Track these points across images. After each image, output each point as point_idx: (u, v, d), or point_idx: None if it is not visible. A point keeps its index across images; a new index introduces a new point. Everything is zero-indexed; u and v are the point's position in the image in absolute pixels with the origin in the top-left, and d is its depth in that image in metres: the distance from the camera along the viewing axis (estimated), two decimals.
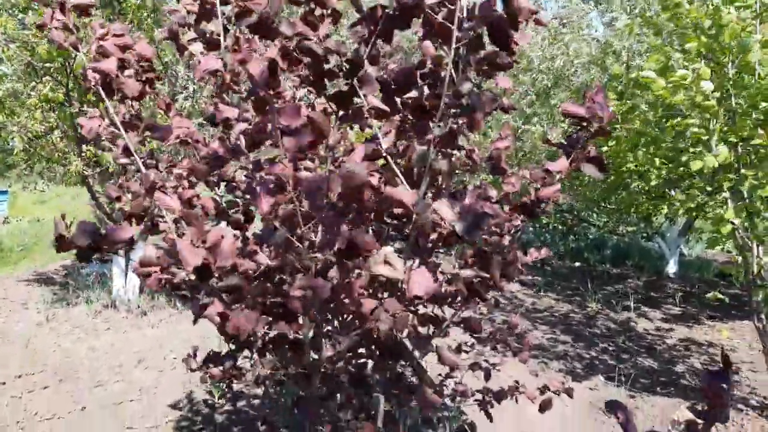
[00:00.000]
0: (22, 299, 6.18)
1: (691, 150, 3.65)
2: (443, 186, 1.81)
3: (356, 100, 1.85)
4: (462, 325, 2.09)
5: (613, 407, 1.14)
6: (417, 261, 1.81)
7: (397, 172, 1.68)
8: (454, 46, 1.52)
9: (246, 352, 2.19)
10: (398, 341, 1.80)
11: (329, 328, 2.00)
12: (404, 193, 1.60)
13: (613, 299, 6.63)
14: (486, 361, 2.38)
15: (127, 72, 1.91)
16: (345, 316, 1.88)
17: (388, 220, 1.90)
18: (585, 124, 1.70)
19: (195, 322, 1.84)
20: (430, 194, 1.80)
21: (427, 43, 1.65)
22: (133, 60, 1.90)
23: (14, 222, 10.70)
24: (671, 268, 7.81)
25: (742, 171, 3.54)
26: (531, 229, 9.67)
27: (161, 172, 1.94)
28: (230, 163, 2.21)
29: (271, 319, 1.80)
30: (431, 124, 1.64)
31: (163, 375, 4.26)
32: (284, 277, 1.88)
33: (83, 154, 5.55)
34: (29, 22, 5.41)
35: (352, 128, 2.28)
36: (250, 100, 2.03)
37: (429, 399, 1.93)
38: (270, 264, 1.76)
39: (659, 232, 7.97)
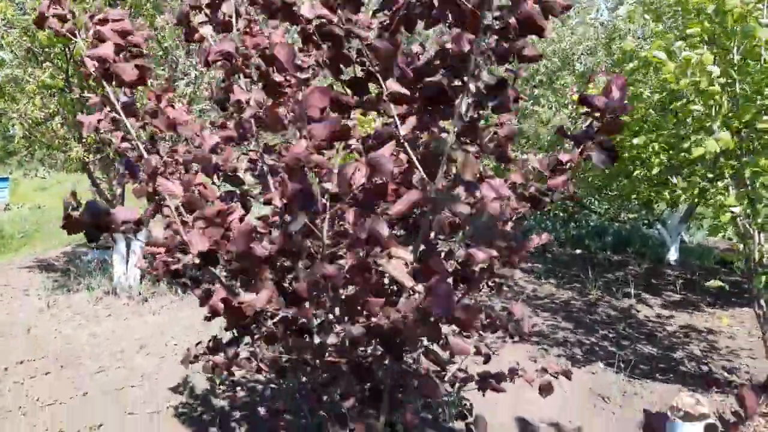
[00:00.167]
0: (23, 286, 6.20)
1: (693, 137, 3.63)
2: (460, 177, 1.76)
3: (371, 87, 1.81)
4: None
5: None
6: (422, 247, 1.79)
7: (415, 160, 1.63)
8: (481, 34, 1.48)
9: (247, 340, 2.20)
10: (401, 330, 1.79)
11: (332, 316, 1.99)
12: (413, 192, 1.57)
13: (614, 286, 6.64)
14: (486, 345, 2.38)
15: (124, 57, 1.89)
16: (354, 305, 1.87)
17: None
18: (598, 114, 1.67)
19: (202, 304, 1.84)
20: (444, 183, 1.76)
21: (455, 29, 1.61)
22: (129, 46, 1.88)
23: (15, 209, 10.72)
24: (672, 255, 7.81)
25: (744, 159, 3.52)
26: (532, 216, 9.65)
27: (162, 158, 1.93)
28: (232, 152, 2.20)
29: (279, 301, 1.79)
30: (452, 113, 1.60)
31: (164, 361, 4.28)
32: (287, 263, 1.87)
33: (84, 140, 5.54)
34: (29, 6, 5.37)
35: (365, 115, 2.25)
36: (261, 85, 2.01)
37: (432, 387, 1.94)
38: (283, 248, 1.75)
39: (660, 219, 7.96)
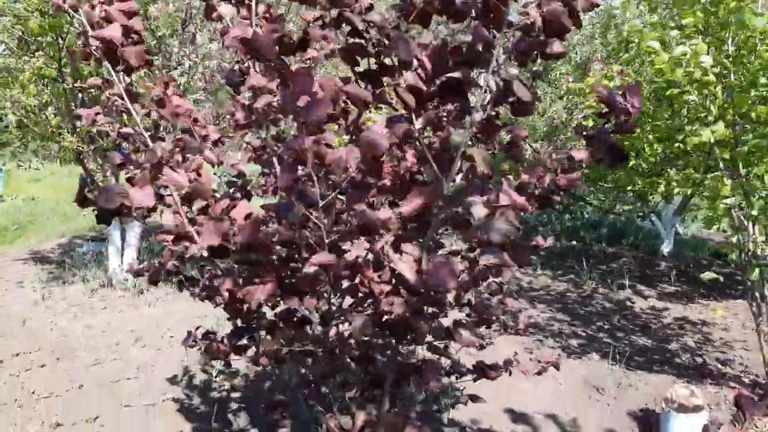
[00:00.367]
0: (17, 278, 6.17)
1: (688, 129, 3.63)
2: (476, 175, 1.71)
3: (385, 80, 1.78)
4: (467, 308, 2.09)
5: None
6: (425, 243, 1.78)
7: (429, 155, 1.61)
8: (505, 30, 1.45)
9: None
10: (407, 322, 1.79)
11: (334, 307, 1.99)
12: (425, 190, 1.55)
13: (609, 278, 6.66)
14: (482, 337, 2.39)
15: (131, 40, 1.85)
16: (357, 294, 1.86)
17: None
18: (611, 115, 1.65)
19: (206, 297, 1.84)
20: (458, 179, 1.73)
21: (477, 24, 1.58)
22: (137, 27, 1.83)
23: (9, 200, 10.65)
24: (667, 247, 7.83)
25: (738, 149, 3.52)
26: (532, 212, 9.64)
27: (168, 147, 1.91)
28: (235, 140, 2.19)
29: (280, 293, 1.79)
30: (469, 108, 1.57)
31: (160, 353, 4.27)
32: (293, 253, 1.87)
33: (77, 131, 5.50)
34: None
35: (377, 109, 2.22)
36: (277, 71, 1.97)
37: (433, 375, 1.95)
38: (284, 240, 1.74)
39: (655, 212, 7.97)
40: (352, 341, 1.99)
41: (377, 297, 1.62)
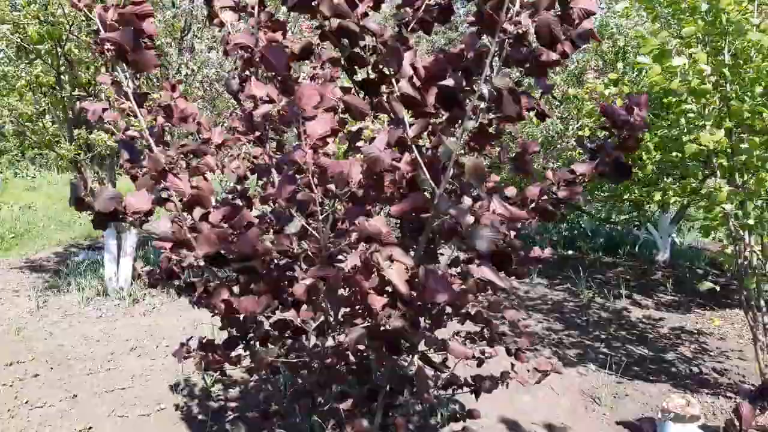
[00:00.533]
0: (13, 287, 6.14)
1: (685, 138, 3.64)
2: (473, 184, 1.73)
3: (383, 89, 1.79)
4: (464, 319, 2.09)
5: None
6: (420, 254, 1.78)
7: (422, 163, 1.61)
8: (497, 38, 1.45)
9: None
10: (403, 333, 1.79)
11: (332, 319, 1.98)
12: (417, 195, 1.56)
13: (606, 287, 6.66)
14: (482, 352, 2.38)
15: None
16: (354, 307, 1.86)
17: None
18: (615, 130, 1.65)
19: (202, 305, 1.84)
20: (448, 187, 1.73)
21: (471, 32, 1.59)
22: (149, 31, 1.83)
23: (5, 209, 10.62)
24: (663, 256, 7.84)
25: (735, 157, 3.54)
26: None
27: (170, 153, 1.90)
28: (238, 151, 2.19)
29: (277, 304, 1.78)
30: (463, 117, 1.57)
31: (155, 363, 4.25)
32: (291, 264, 1.86)
33: (75, 139, 5.50)
34: (20, 2, 5.31)
35: (377, 117, 2.23)
36: (276, 81, 1.99)
37: (425, 389, 1.94)
38: (282, 249, 1.73)
39: (651, 221, 7.99)
40: (348, 353, 1.98)
41: (374, 310, 1.61)
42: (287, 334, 1.98)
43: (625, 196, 6.24)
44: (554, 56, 1.53)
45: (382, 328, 1.70)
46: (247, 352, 2.11)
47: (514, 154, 1.82)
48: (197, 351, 2.28)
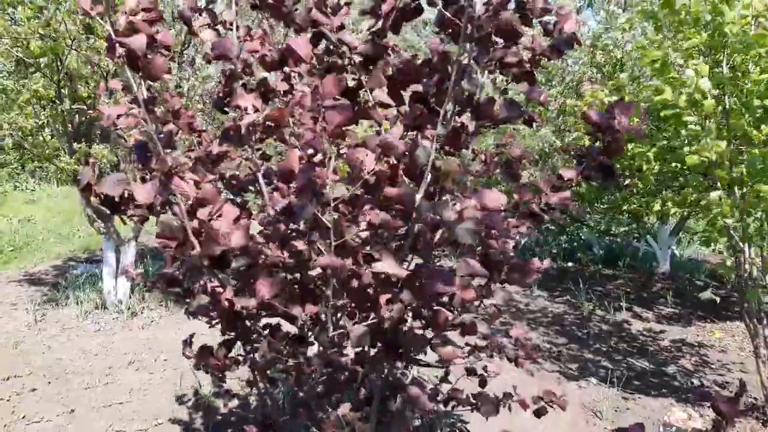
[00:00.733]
0: (11, 300, 6.12)
1: (686, 150, 3.65)
2: (446, 186, 1.78)
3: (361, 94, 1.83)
4: (459, 330, 2.08)
5: None
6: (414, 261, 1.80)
7: (400, 168, 1.66)
8: (462, 42, 1.49)
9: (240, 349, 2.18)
10: (402, 336, 1.79)
11: (333, 317, 1.98)
12: (403, 192, 1.58)
13: (606, 300, 6.64)
14: (484, 368, 2.37)
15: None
16: (355, 305, 1.87)
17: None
18: (600, 135, 1.68)
19: (192, 316, 1.84)
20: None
21: (436, 39, 1.63)
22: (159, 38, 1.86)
23: (5, 222, 10.62)
24: (663, 268, 7.83)
25: (735, 169, 3.54)
26: (528, 234, 9.67)
27: (176, 155, 1.93)
28: (233, 158, 2.21)
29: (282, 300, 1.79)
30: (436, 121, 1.62)
31: (153, 377, 4.22)
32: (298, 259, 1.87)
33: (75, 152, 5.51)
34: (21, 17, 5.34)
35: (357, 123, 2.26)
36: (259, 91, 2.03)
37: (417, 397, 1.93)
38: (289, 240, 1.76)
39: (651, 233, 7.98)
40: (348, 359, 1.98)
41: (378, 303, 1.63)
42: (286, 342, 1.98)
43: (624, 207, 6.24)
44: (516, 57, 1.58)
45: (384, 324, 1.71)
46: (245, 355, 2.12)
47: (503, 160, 1.86)
48: (196, 355, 2.28)
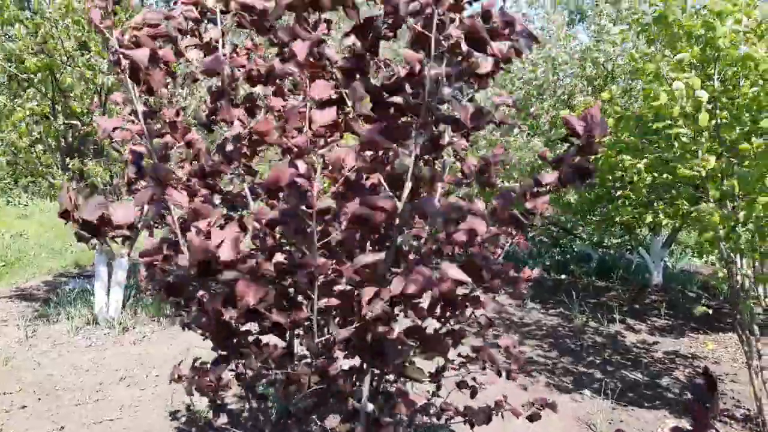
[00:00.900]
0: (2, 316, 6.07)
1: (678, 164, 3.68)
2: (425, 193, 1.83)
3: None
4: (449, 338, 2.08)
5: None
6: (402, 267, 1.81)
7: (382, 179, 1.72)
8: (433, 53, 1.53)
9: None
10: (388, 344, 1.80)
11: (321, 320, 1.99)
12: (384, 200, 1.61)
13: (599, 311, 6.65)
14: (474, 379, 2.37)
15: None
16: (340, 306, 1.88)
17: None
18: (575, 139, 1.71)
19: (187, 327, 1.83)
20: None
21: (409, 52, 1.66)
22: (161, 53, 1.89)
23: None
24: (656, 280, 7.86)
25: (726, 181, 3.57)
26: (515, 243, 9.68)
27: (170, 167, 1.94)
28: (226, 174, 2.24)
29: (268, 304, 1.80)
30: (412, 131, 1.65)
31: (144, 393, 4.19)
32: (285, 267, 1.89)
33: (68, 168, 5.51)
34: (15, 34, 5.36)
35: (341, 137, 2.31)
36: (245, 106, 2.08)
37: (405, 405, 1.94)
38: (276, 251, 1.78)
39: (643, 245, 8.02)
40: (337, 368, 1.98)
41: (360, 304, 1.65)
42: (276, 356, 1.99)
43: (617, 219, 6.27)
44: (488, 68, 1.64)
45: (368, 327, 1.73)
46: (235, 370, 2.12)
47: (479, 167, 1.92)
48: (187, 374, 2.27)
